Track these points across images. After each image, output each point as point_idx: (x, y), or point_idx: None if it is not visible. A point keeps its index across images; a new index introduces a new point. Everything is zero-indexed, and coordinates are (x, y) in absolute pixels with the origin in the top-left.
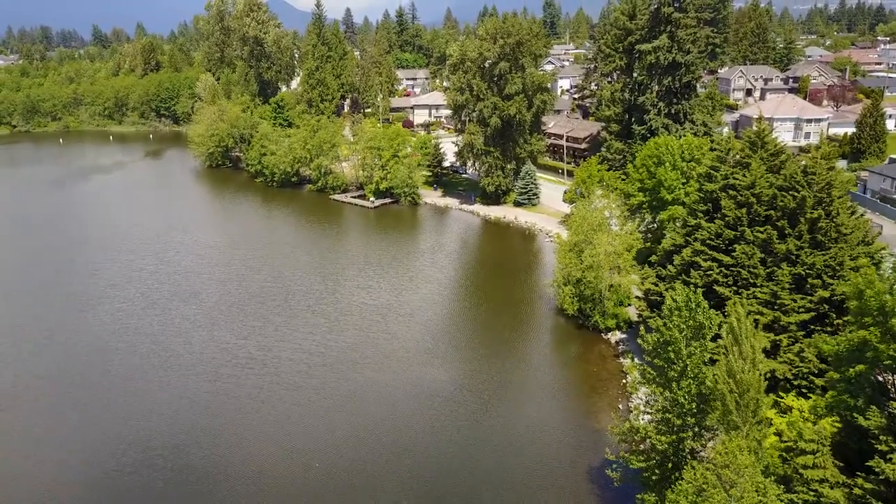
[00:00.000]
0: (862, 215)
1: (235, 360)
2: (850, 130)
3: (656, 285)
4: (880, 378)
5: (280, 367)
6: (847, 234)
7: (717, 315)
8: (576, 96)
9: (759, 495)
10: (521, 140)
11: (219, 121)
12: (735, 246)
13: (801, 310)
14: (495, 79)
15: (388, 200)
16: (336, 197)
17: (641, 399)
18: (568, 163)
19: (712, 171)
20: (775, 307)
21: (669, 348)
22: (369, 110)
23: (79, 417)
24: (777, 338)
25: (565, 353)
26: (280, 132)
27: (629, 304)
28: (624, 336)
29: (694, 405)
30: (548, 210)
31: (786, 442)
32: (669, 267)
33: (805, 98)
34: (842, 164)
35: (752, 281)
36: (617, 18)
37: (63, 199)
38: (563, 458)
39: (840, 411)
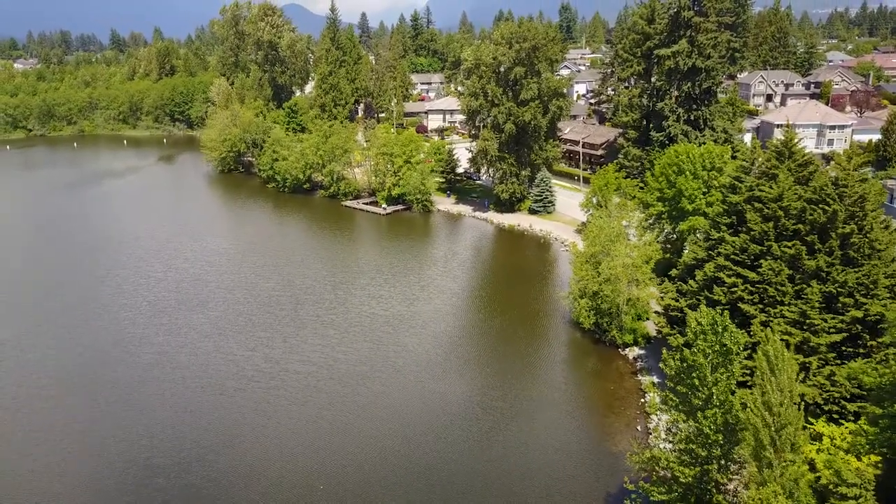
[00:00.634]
0: None
1: (242, 373)
2: (875, 137)
3: (677, 300)
4: None
5: (287, 380)
6: (881, 250)
7: (742, 335)
8: (592, 101)
9: None
10: (537, 146)
11: (231, 125)
12: (761, 261)
13: (831, 330)
14: (510, 84)
15: (400, 207)
16: (348, 203)
17: (662, 423)
18: (584, 169)
19: (736, 182)
20: (804, 327)
21: (693, 374)
22: (383, 115)
23: (79, 432)
24: (806, 360)
25: (581, 369)
26: (292, 137)
27: (647, 319)
28: (642, 352)
29: (720, 436)
30: (563, 218)
31: (821, 479)
32: (691, 282)
33: (827, 104)
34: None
35: (779, 299)
36: (635, 23)
37: (74, 204)
38: (579, 483)
39: (883, 450)
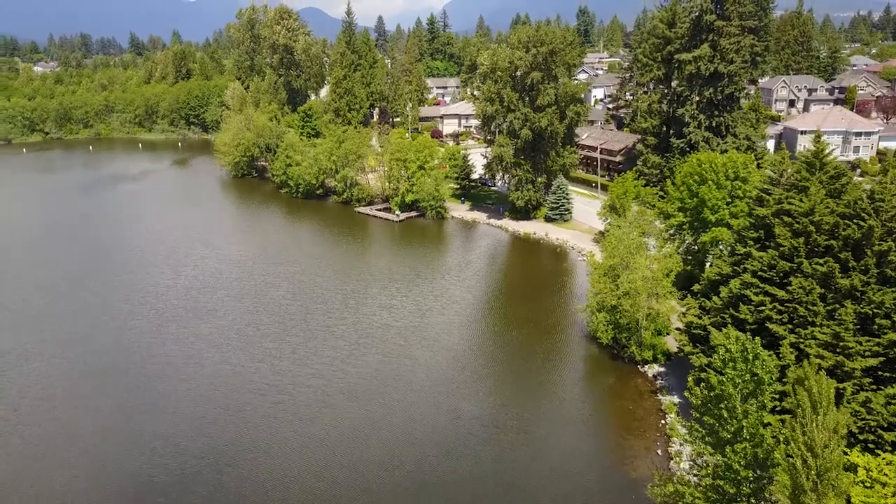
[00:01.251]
0: None
1: (248, 386)
2: None
3: (700, 317)
4: None
5: (295, 394)
6: None
7: (772, 358)
8: (610, 106)
9: None
10: (553, 153)
11: (245, 130)
12: (791, 279)
13: (867, 354)
14: (527, 89)
15: (413, 214)
16: (361, 210)
17: (685, 452)
18: (602, 176)
19: (764, 195)
20: (837, 350)
21: (722, 405)
22: (398, 119)
23: (79, 447)
24: (840, 386)
25: (598, 386)
26: (306, 142)
27: (668, 334)
28: (662, 369)
29: (751, 472)
30: (580, 226)
31: None
32: (715, 298)
33: (852, 109)
34: None
35: (810, 319)
36: (655, 27)
37: (85, 209)
38: None
39: None
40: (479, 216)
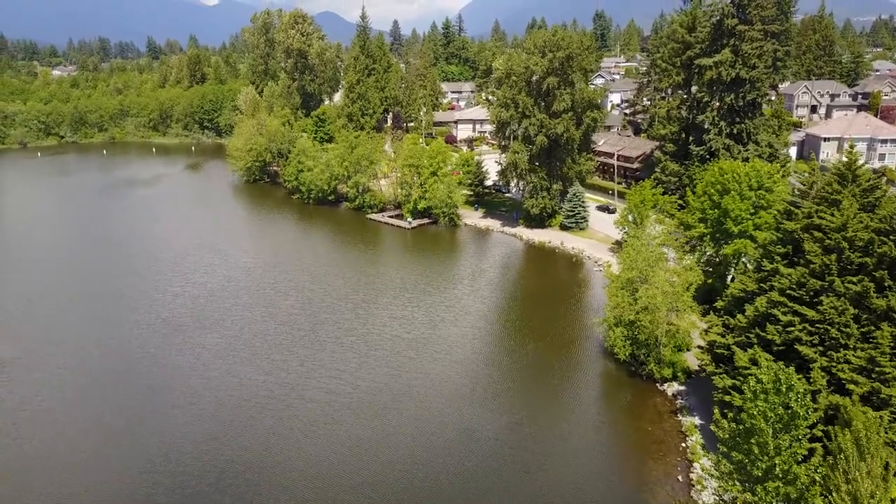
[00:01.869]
0: None
1: (254, 400)
2: None
3: (723, 336)
4: None
5: (302, 409)
6: None
7: (800, 381)
8: (627, 112)
9: None
10: (569, 159)
11: (257, 134)
12: (822, 298)
13: None
14: (542, 94)
15: (425, 221)
16: (373, 216)
17: (710, 485)
18: (619, 183)
19: (793, 208)
20: (873, 376)
21: (752, 440)
22: (412, 124)
23: (78, 463)
24: (876, 414)
25: (616, 406)
26: (318, 147)
27: (688, 350)
28: (682, 388)
29: None
30: (597, 235)
31: None
32: (739, 317)
33: (876, 115)
34: None
35: (843, 342)
36: (675, 31)
37: (96, 214)
38: None
39: None
40: (493, 224)
